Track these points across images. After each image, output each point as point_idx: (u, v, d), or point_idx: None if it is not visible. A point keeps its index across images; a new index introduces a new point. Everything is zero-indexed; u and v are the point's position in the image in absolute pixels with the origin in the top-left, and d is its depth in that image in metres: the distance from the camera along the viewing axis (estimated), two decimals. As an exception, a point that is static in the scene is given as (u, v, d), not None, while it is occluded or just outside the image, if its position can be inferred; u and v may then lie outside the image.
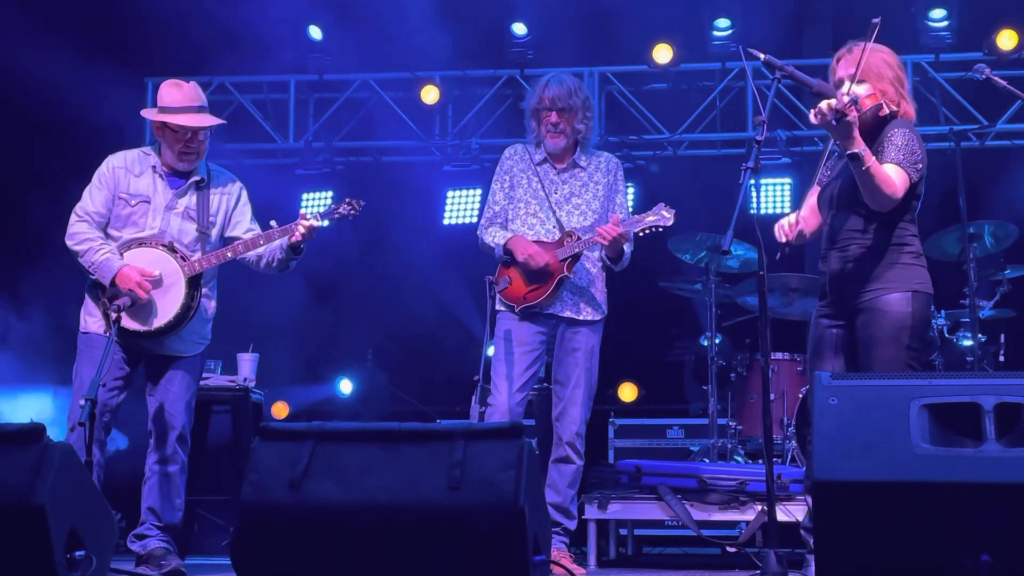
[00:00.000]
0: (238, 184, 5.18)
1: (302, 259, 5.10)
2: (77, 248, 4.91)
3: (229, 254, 4.99)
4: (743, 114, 8.31)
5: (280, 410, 8.65)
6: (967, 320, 6.73)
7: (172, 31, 7.94)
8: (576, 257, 5.18)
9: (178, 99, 4.97)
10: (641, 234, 5.19)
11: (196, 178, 5.04)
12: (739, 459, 6.78)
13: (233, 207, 5.11)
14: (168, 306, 4.87)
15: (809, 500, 4.14)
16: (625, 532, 6.75)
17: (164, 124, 4.96)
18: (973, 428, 3.25)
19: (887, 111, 4.23)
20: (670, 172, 8.67)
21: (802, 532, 4.63)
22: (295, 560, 3.38)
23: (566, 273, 5.16)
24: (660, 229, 5.17)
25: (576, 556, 5.40)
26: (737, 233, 4.11)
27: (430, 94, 8.55)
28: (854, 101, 4.04)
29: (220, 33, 7.94)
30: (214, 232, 5.06)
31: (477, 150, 8.59)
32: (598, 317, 5.25)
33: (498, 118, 8.56)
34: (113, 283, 4.81)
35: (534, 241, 5.21)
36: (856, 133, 4.01)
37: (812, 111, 4.04)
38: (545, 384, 6.35)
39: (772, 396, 6.66)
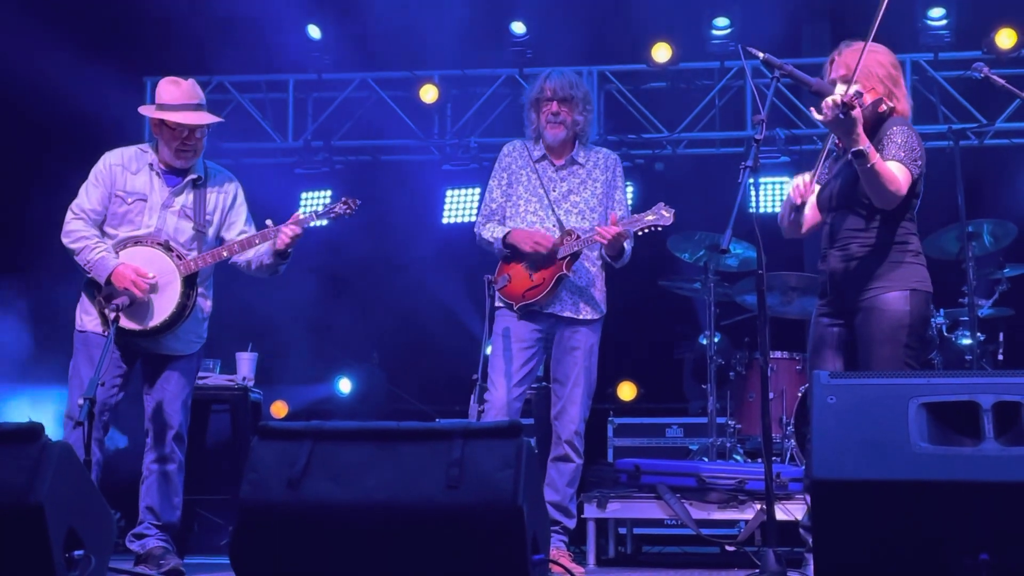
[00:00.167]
0: (235, 184, 5.16)
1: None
2: (73, 246, 4.89)
3: (225, 253, 4.98)
4: (742, 113, 8.31)
5: (279, 409, 8.65)
6: (966, 319, 6.73)
7: (171, 30, 7.95)
8: (576, 256, 5.17)
9: (176, 96, 4.95)
10: (640, 233, 5.18)
11: (193, 176, 5.03)
12: (738, 458, 6.78)
13: (229, 207, 5.10)
14: (164, 305, 4.86)
15: (808, 499, 4.14)
16: (624, 531, 6.75)
17: (162, 121, 4.95)
18: (972, 427, 3.25)
19: (885, 108, 4.23)
20: (669, 171, 8.68)
21: (801, 531, 4.63)
22: (294, 559, 3.38)
23: (565, 271, 5.15)
24: (659, 228, 5.16)
25: (575, 555, 5.40)
26: (736, 232, 4.10)
27: (429, 93, 8.55)
28: (859, 95, 4.05)
29: (219, 32, 7.95)
30: (211, 231, 5.05)
31: (476, 149, 8.59)
32: (597, 316, 5.25)
33: (497, 117, 8.55)
34: (108, 282, 4.80)
35: (534, 238, 5.20)
36: (860, 130, 4.02)
37: (822, 106, 4.03)
38: (544, 383, 6.35)
39: (771, 395, 6.67)
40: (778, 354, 6.96)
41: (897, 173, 4.11)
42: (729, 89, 8.41)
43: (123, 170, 5.00)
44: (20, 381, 7.30)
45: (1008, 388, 3.29)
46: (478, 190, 9.00)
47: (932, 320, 6.60)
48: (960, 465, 3.19)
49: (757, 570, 3.97)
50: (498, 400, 5.09)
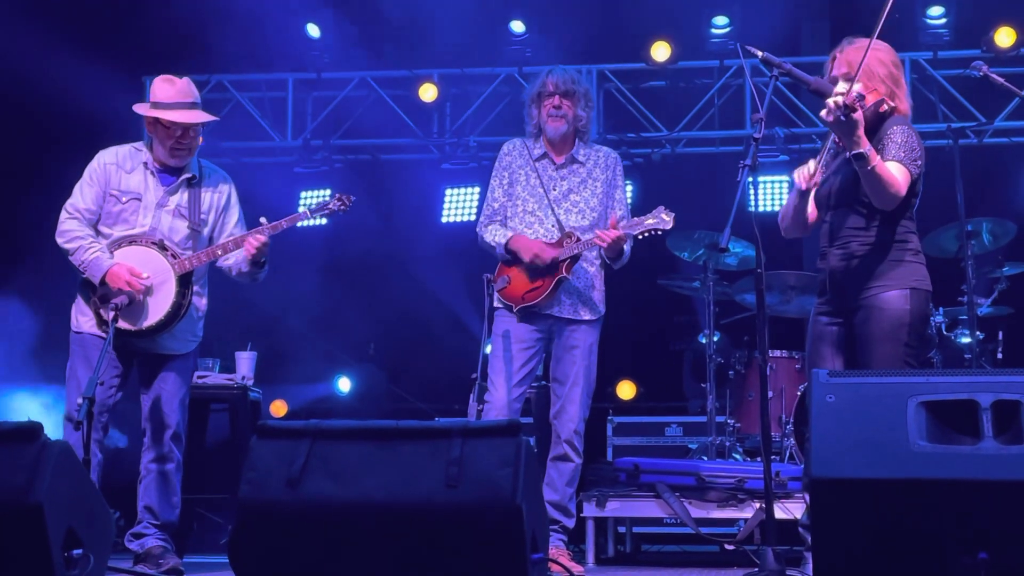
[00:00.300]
0: (229, 184, 5.13)
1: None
2: (67, 246, 4.87)
3: (219, 252, 4.95)
4: (741, 112, 8.31)
5: (278, 408, 8.66)
6: (965, 317, 6.73)
7: (170, 29, 7.94)
8: (575, 258, 5.16)
9: (170, 95, 4.93)
10: (640, 237, 5.16)
11: (188, 175, 5.01)
12: (737, 457, 6.79)
13: (223, 208, 5.08)
14: (159, 304, 4.84)
15: (807, 497, 4.14)
16: (623, 530, 6.76)
17: (156, 120, 4.92)
18: (971, 425, 3.25)
19: (886, 107, 4.23)
20: (668, 170, 8.67)
21: (800, 529, 4.64)
22: (293, 558, 3.38)
23: (565, 274, 5.14)
24: (659, 232, 5.15)
25: (574, 554, 5.40)
26: (735, 230, 4.10)
27: (428, 92, 8.55)
28: (861, 97, 4.04)
29: (218, 31, 7.94)
30: (205, 230, 5.02)
31: (475, 148, 8.60)
32: (596, 317, 5.25)
33: (496, 116, 8.55)
34: (103, 282, 4.79)
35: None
36: (861, 132, 4.01)
37: (824, 107, 4.03)
38: (543, 382, 6.34)
39: (770, 394, 6.67)
40: (777, 353, 6.96)
41: (896, 174, 4.11)
42: (728, 88, 8.41)
43: (118, 169, 4.97)
44: (20, 381, 7.29)
45: (1007, 387, 3.29)
46: (477, 189, 9.01)
47: (931, 319, 6.61)
48: (959, 464, 3.18)
49: (756, 569, 3.97)
50: (498, 400, 5.08)
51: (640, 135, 8.59)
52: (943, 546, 3.19)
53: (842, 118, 3.97)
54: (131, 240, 4.89)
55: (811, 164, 4.36)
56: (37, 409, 6.88)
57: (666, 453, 7.26)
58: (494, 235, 5.26)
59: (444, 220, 9.24)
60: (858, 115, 3.99)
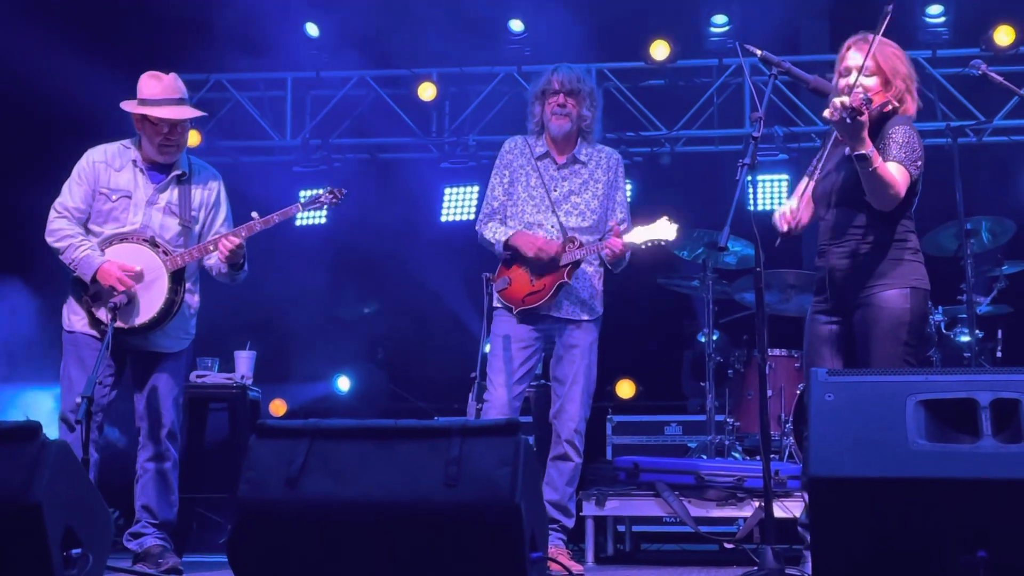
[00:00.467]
0: (218, 181, 5.11)
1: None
2: (57, 245, 4.85)
3: (211, 248, 4.93)
4: (740, 110, 8.31)
5: (278, 407, 8.65)
6: (964, 316, 6.73)
7: (168, 28, 7.93)
8: (577, 264, 5.13)
9: (157, 91, 4.91)
10: (643, 247, 5.12)
11: (177, 172, 4.98)
12: (737, 455, 6.79)
13: (212, 205, 5.05)
14: (152, 302, 4.82)
15: (806, 496, 4.14)
16: (623, 528, 6.76)
17: (144, 116, 4.91)
18: (969, 424, 3.25)
19: (891, 107, 4.23)
20: (667, 169, 8.68)
21: (799, 528, 4.63)
22: (292, 557, 3.38)
23: (566, 279, 5.11)
24: (662, 243, 5.11)
25: (574, 553, 5.40)
26: (734, 229, 4.10)
27: (427, 91, 8.54)
28: (868, 101, 4.03)
29: (217, 30, 7.93)
30: (196, 227, 5.00)
31: (474, 147, 8.59)
32: (595, 317, 5.24)
33: (495, 115, 8.55)
34: (94, 280, 4.78)
35: (535, 240, 5.18)
36: (865, 134, 4.00)
37: (829, 106, 4.02)
38: (543, 381, 6.34)
39: (770, 392, 6.66)
40: (776, 352, 6.96)
41: (896, 175, 4.11)
42: (727, 86, 8.41)
43: (107, 167, 4.95)
44: (19, 380, 7.29)
45: (1006, 385, 3.29)
46: (477, 188, 9.01)
47: (931, 317, 6.61)
48: (958, 462, 3.18)
49: (755, 567, 3.98)
50: (498, 400, 5.07)
51: (639, 134, 8.58)
52: (942, 545, 3.19)
53: (847, 120, 3.96)
54: (122, 238, 4.87)
55: (792, 203, 4.35)
56: (39, 409, 6.88)
57: (665, 452, 7.27)
58: (493, 232, 5.25)
59: (443, 219, 9.24)
60: (864, 118, 3.98)
